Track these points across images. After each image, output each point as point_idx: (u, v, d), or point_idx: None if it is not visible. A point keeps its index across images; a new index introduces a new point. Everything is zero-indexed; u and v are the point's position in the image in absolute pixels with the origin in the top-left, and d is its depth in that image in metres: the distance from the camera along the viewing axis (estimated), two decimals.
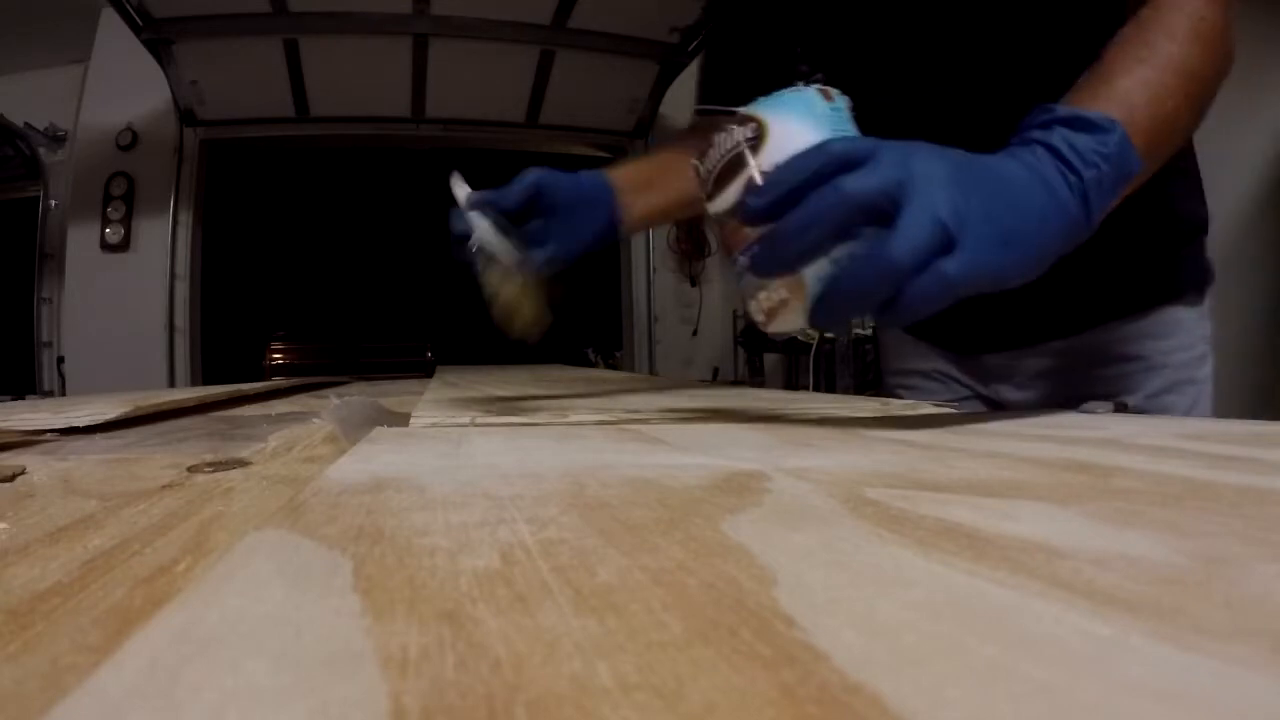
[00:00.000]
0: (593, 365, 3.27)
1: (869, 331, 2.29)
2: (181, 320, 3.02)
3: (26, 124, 2.95)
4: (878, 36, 0.59)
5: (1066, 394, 0.62)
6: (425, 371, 2.24)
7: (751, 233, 0.35)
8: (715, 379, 3.37)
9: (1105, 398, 0.52)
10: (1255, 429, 0.33)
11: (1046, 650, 0.10)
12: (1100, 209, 0.36)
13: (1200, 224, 0.63)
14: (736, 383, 3.16)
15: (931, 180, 0.31)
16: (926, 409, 0.50)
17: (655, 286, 3.56)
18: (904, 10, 0.58)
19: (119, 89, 2.95)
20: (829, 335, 2.49)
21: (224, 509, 0.23)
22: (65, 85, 3.02)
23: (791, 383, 3.09)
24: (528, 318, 0.49)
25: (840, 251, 0.32)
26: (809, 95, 0.36)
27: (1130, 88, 0.38)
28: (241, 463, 0.32)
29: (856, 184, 0.30)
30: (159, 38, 2.52)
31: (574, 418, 0.45)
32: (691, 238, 3.50)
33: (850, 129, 0.36)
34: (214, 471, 0.30)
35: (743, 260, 0.35)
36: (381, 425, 0.40)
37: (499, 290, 0.48)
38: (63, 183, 3.03)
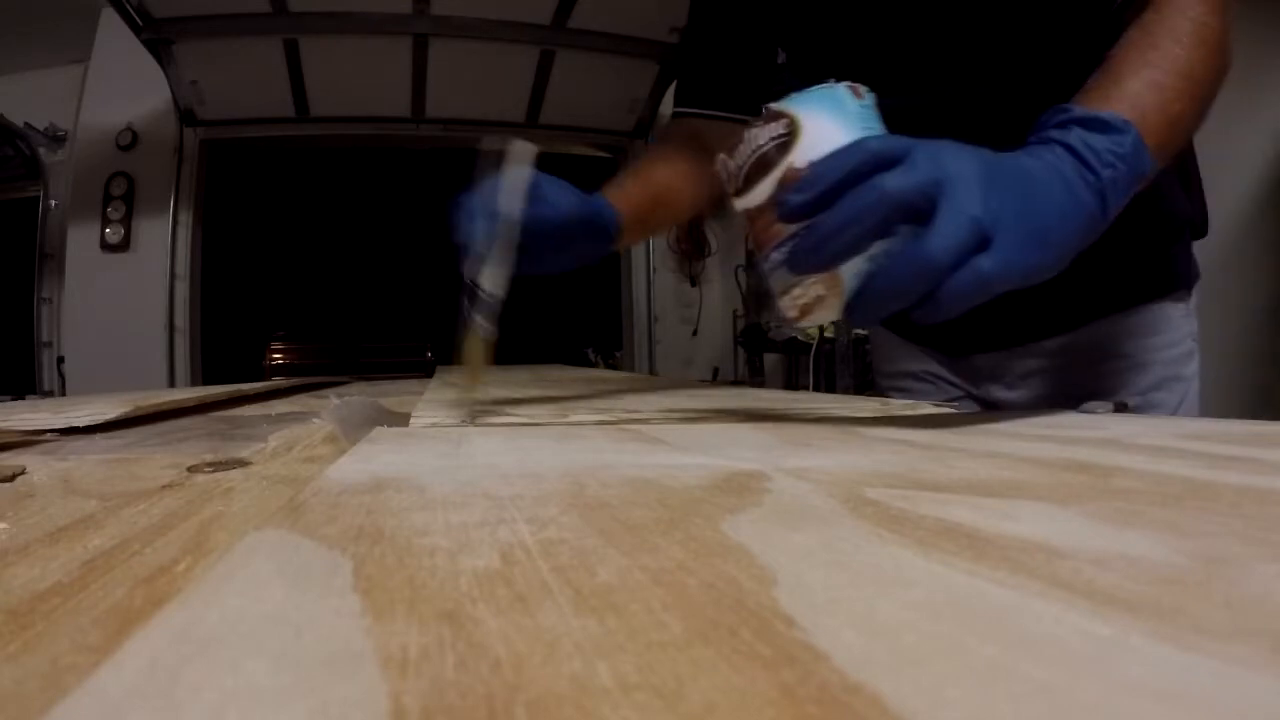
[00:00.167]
0: (593, 365, 3.27)
1: (867, 331, 2.29)
2: (181, 320, 3.02)
3: (26, 124, 2.95)
4: (857, 35, 0.59)
5: (1057, 393, 0.63)
6: (425, 371, 2.24)
7: (781, 229, 0.35)
8: (715, 379, 3.37)
9: (1096, 396, 0.52)
10: (1255, 429, 0.33)
11: (1046, 650, 0.10)
12: (1115, 208, 0.36)
13: (1187, 220, 0.63)
14: (736, 383, 3.15)
15: (966, 179, 0.31)
16: (926, 409, 0.50)
17: (655, 286, 3.56)
18: (877, 8, 0.57)
19: (119, 89, 2.94)
20: (829, 336, 2.49)
21: (224, 509, 0.23)
22: (65, 85, 3.01)
23: (791, 383, 3.09)
24: (475, 370, 0.49)
25: (878, 249, 0.32)
26: (839, 92, 0.36)
27: (1140, 90, 0.38)
28: (241, 463, 0.32)
29: (895, 182, 0.30)
30: (159, 38, 2.51)
31: (574, 418, 0.45)
32: (691, 238, 3.50)
33: (879, 126, 0.36)
34: (214, 471, 0.30)
35: (775, 256, 0.35)
36: (381, 425, 0.40)
37: (463, 341, 0.48)
38: (63, 183, 3.02)
